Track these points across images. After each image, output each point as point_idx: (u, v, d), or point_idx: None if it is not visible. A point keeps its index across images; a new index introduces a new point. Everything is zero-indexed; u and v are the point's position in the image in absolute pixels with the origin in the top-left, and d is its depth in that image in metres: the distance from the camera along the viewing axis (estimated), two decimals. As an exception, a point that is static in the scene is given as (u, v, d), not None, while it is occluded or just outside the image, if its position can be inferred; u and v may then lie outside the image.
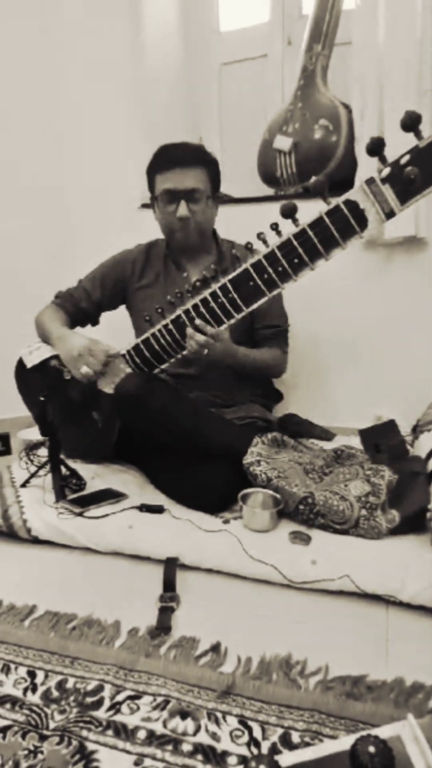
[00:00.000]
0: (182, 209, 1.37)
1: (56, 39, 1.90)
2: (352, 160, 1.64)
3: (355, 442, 1.52)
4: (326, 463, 1.30)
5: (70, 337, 1.38)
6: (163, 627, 0.90)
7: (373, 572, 0.98)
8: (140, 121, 1.94)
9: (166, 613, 0.93)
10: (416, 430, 1.56)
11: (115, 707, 0.74)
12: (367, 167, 1.58)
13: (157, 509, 1.23)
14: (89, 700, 0.75)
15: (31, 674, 0.81)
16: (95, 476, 1.43)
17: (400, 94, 1.54)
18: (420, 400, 1.65)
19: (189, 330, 1.21)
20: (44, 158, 1.94)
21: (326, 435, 1.69)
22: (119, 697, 0.76)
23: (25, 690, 0.78)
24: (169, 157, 1.38)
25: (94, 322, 1.60)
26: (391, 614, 0.94)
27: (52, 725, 0.71)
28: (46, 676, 0.80)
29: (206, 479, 1.26)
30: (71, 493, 1.32)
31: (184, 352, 1.26)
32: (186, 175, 1.36)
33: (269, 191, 1.88)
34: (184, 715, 0.73)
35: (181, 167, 1.36)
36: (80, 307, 1.53)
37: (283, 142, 1.73)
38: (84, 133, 1.97)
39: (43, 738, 0.69)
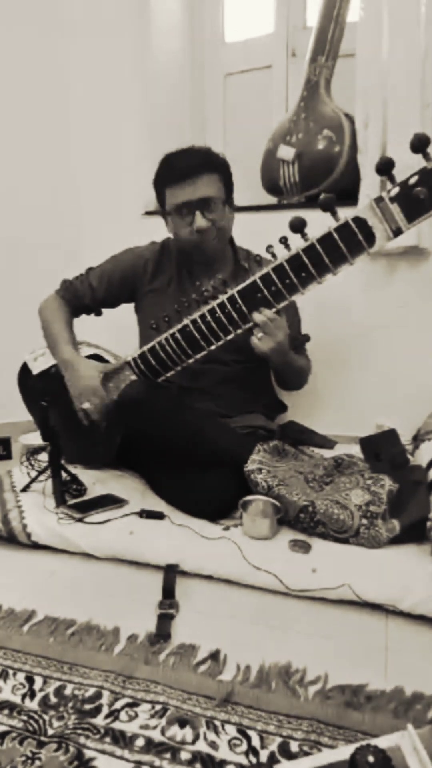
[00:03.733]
0: (199, 221, 1.30)
1: (62, 48, 1.92)
2: (355, 170, 1.65)
3: (356, 451, 1.52)
4: (326, 472, 1.30)
5: (78, 367, 1.36)
6: (162, 634, 0.89)
7: (373, 581, 0.98)
8: (145, 129, 1.95)
9: (165, 620, 0.93)
10: (417, 439, 1.56)
11: (114, 714, 0.74)
12: (370, 178, 1.59)
13: (158, 515, 1.23)
14: (87, 706, 0.75)
15: (30, 680, 0.80)
16: (96, 482, 1.43)
17: (404, 106, 1.56)
18: (421, 409, 1.65)
19: (257, 316, 1.17)
20: (49, 165, 1.95)
21: (327, 443, 1.69)
22: (117, 704, 0.75)
23: (24, 696, 0.77)
24: (177, 169, 1.32)
25: (97, 313, 1.58)
26: (391, 624, 0.94)
27: (50, 732, 0.71)
28: (45, 682, 0.80)
29: (207, 486, 1.26)
30: (71, 498, 1.32)
31: (240, 331, 1.21)
32: (197, 185, 1.30)
33: (272, 200, 1.89)
34: (182, 723, 0.72)
35: (190, 178, 1.29)
36: (84, 303, 1.52)
37: (286, 152, 1.75)
38: (90, 141, 1.98)
39: (41, 744, 0.69)
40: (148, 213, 1.95)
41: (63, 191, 1.99)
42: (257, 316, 1.18)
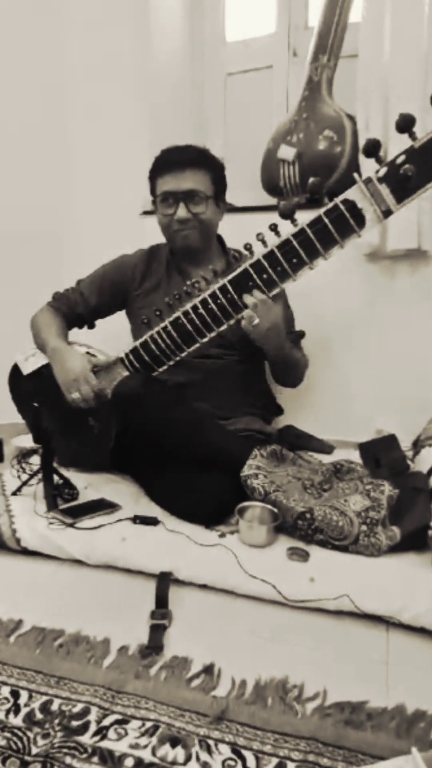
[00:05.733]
0: (181, 211, 1.34)
1: (61, 47, 1.89)
2: (356, 170, 1.62)
3: (355, 456, 1.49)
4: (325, 479, 1.27)
5: (66, 355, 1.34)
6: (154, 646, 0.86)
7: (373, 592, 0.95)
8: (145, 129, 1.93)
9: (157, 631, 0.89)
10: (417, 445, 1.53)
11: (102, 732, 0.70)
12: (370, 178, 1.57)
13: (151, 521, 1.20)
14: (74, 723, 0.71)
15: (15, 694, 0.77)
16: (88, 486, 1.39)
17: (406, 107, 1.52)
18: (421, 414, 1.62)
19: (248, 298, 1.17)
20: (48, 164, 1.92)
21: (325, 448, 1.66)
22: (106, 722, 0.72)
23: (8, 711, 0.74)
24: (169, 159, 1.36)
25: (90, 325, 1.57)
26: (392, 636, 0.90)
27: (34, 750, 0.68)
28: (30, 697, 0.76)
29: (202, 490, 1.23)
30: (63, 502, 1.29)
31: (232, 321, 1.21)
32: (185, 177, 1.33)
33: (272, 201, 1.87)
34: (174, 741, 0.69)
35: (180, 169, 1.34)
36: (76, 312, 1.51)
37: (287, 152, 1.72)
38: (88, 140, 1.96)
39: (24, 764, 0.66)
40: (146, 212, 1.93)
41: (62, 190, 1.96)
42: (248, 298, 1.17)
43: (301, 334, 1.53)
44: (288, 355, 1.40)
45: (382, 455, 1.42)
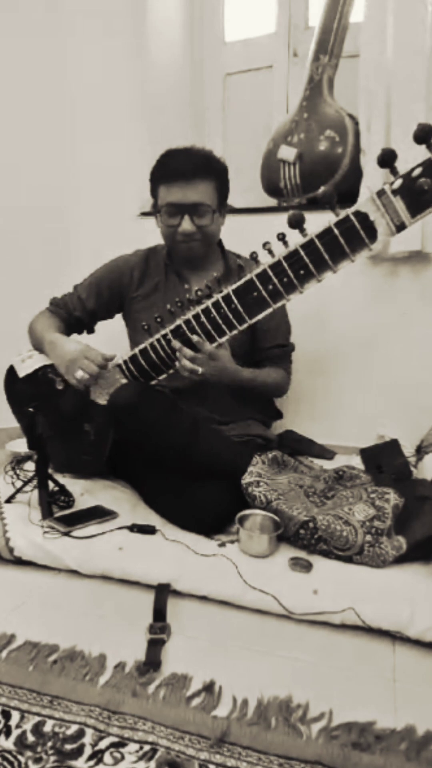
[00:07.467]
0: (186, 224, 1.29)
1: (60, 48, 1.86)
2: (358, 172, 1.60)
3: (356, 462, 1.46)
4: (328, 486, 1.24)
5: (63, 343, 1.32)
6: (152, 662, 0.82)
7: (378, 605, 0.92)
8: (144, 130, 1.90)
9: (155, 646, 0.86)
10: (420, 451, 1.50)
11: (97, 756, 0.67)
12: (372, 179, 1.55)
13: (149, 530, 1.17)
14: (68, 747, 0.68)
15: (6, 715, 0.73)
16: (84, 492, 1.36)
17: (408, 107, 1.51)
18: (424, 419, 1.59)
19: (176, 343, 1.16)
20: (47, 165, 1.89)
21: (326, 453, 1.63)
22: (102, 744, 0.68)
23: (-2, 733, 0.70)
24: (174, 168, 1.29)
25: (90, 330, 1.54)
26: (398, 652, 0.87)
27: (25, 776, 0.64)
28: (22, 718, 0.73)
29: (202, 498, 1.20)
30: (59, 510, 1.25)
31: (175, 369, 1.21)
32: (191, 189, 1.27)
33: (272, 202, 1.84)
34: (173, 766, 0.65)
35: (185, 179, 1.27)
36: (74, 315, 1.48)
37: (287, 153, 1.70)
38: (87, 141, 1.93)
39: (15, 792, 0.62)
40: (144, 214, 1.90)
41: (60, 191, 1.94)
42: (187, 352, 1.16)
43: (291, 349, 1.50)
44: (248, 386, 1.33)
45: (384, 461, 1.40)
